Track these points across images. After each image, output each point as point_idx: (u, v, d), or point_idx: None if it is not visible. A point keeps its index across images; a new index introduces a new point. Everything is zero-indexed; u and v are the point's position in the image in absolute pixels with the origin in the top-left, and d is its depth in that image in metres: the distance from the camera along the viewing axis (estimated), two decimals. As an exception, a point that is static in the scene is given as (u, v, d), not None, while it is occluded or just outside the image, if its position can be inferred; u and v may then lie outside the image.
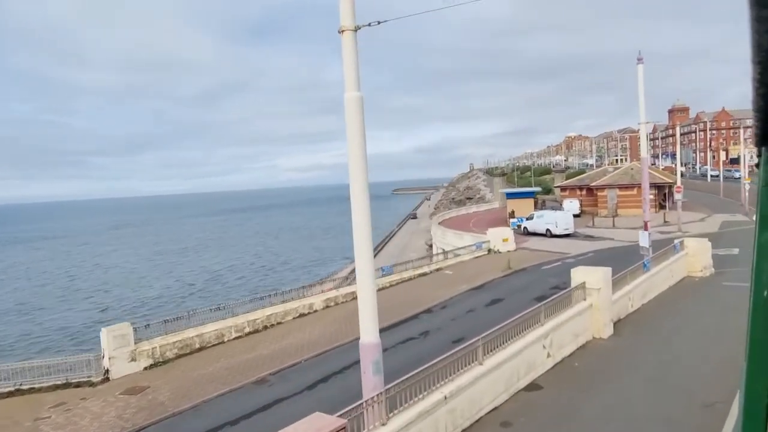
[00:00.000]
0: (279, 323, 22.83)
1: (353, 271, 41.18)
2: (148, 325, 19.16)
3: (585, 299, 15.27)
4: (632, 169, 55.18)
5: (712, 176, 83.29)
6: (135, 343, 18.46)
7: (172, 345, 19.35)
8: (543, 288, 25.67)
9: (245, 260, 78.36)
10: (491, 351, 11.25)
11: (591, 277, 15.49)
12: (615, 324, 16.43)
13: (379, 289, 27.63)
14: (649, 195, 23.71)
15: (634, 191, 52.39)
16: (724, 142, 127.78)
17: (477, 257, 34.77)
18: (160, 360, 18.94)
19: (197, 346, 20.07)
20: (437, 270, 31.35)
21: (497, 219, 53.93)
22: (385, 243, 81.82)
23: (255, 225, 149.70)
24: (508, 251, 35.97)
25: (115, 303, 51.41)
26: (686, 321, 17.30)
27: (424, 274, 30.40)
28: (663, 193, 59.43)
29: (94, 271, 74.98)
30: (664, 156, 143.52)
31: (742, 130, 57.96)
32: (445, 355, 10.49)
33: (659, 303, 19.76)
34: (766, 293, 1.11)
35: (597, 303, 15.11)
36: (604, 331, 15.19)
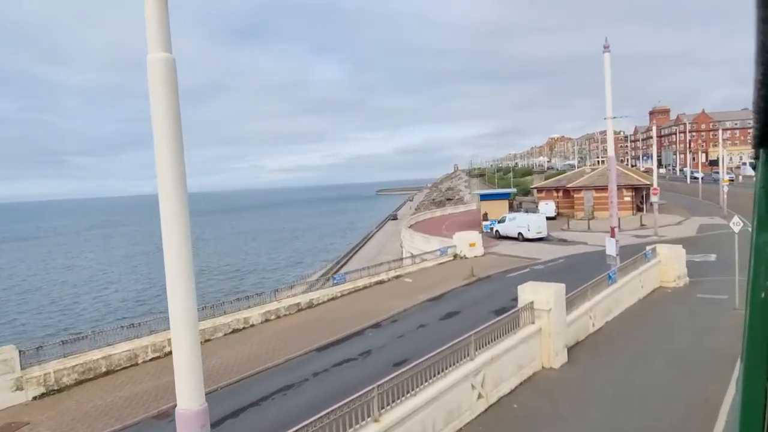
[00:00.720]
0: (207, 340, 20.26)
1: (325, 274, 38.03)
2: (41, 347, 16.48)
3: (533, 322, 13.00)
4: (609, 170, 53.38)
5: (695, 178, 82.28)
6: (22, 368, 15.80)
7: (71, 369, 16.71)
8: (504, 299, 23.46)
9: (216, 263, 75.27)
10: (395, 401, 8.76)
11: (540, 295, 13.22)
12: (571, 349, 14.20)
13: (329, 300, 25.23)
14: (616, 197, 21.58)
15: (611, 193, 50.60)
16: (704, 144, 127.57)
17: (441, 263, 32.49)
18: (55, 388, 16.30)
19: (103, 369, 17.45)
20: (396, 277, 29.00)
21: (473, 221, 51.79)
22: (362, 245, 79.46)
23: (235, 226, 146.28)
24: (475, 257, 33.78)
25: (45, 313, 48.16)
26: (654, 344, 15.15)
27: (381, 282, 28.03)
28: (641, 195, 57.84)
29: (48, 276, 71.31)
30: (644, 158, 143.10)
31: (720, 132, 56.57)
32: (322, 413, 8.04)
33: (625, 320, 17.60)
34: (763, 295, 1.11)
35: (547, 327, 12.84)
36: (556, 359, 12.92)
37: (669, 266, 21.75)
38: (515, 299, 23.78)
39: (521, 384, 11.95)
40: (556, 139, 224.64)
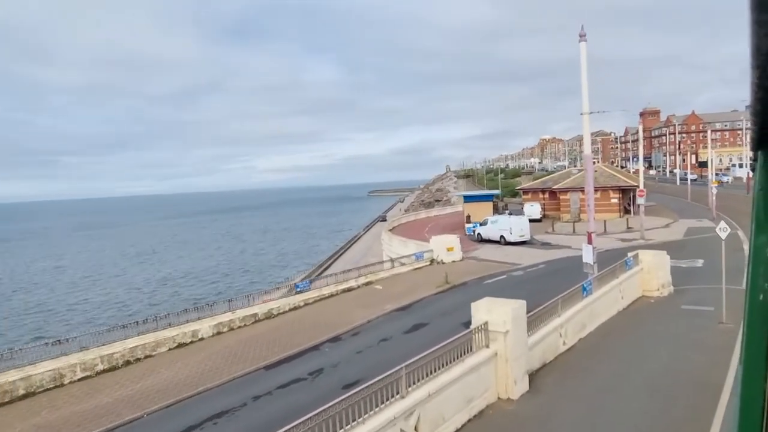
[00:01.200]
0: (148, 356, 18.44)
1: (304, 279, 36.18)
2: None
3: (487, 346, 11.29)
4: (596, 171, 51.90)
5: (691, 180, 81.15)
6: None
7: (-19, 393, 14.84)
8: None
9: (198, 266, 73.13)
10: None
11: (496, 314, 11.48)
12: (536, 373, 12.53)
13: (290, 310, 23.43)
14: (593, 200, 19.96)
15: (598, 194, 49.04)
16: (694, 145, 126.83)
17: (417, 269, 30.79)
18: (-40, 414, 14.42)
19: (21, 392, 15.59)
20: (366, 284, 27.25)
21: (457, 224, 50.17)
22: (349, 246, 77.71)
23: (224, 227, 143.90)
24: (454, 261, 32.10)
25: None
26: (630, 365, 13.50)
27: (349, 290, 26.27)
28: (629, 197, 56.47)
29: (21, 280, 68.90)
30: (635, 159, 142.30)
31: (709, 133, 55.33)
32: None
33: (601, 336, 15.96)
34: (761, 297, 1.11)
35: (504, 351, 11.09)
36: (514, 388, 11.16)
37: (652, 274, 20.16)
38: (488, 309, 22.21)
39: (470, 421, 10.18)
40: (547, 140, 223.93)
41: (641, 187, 37.39)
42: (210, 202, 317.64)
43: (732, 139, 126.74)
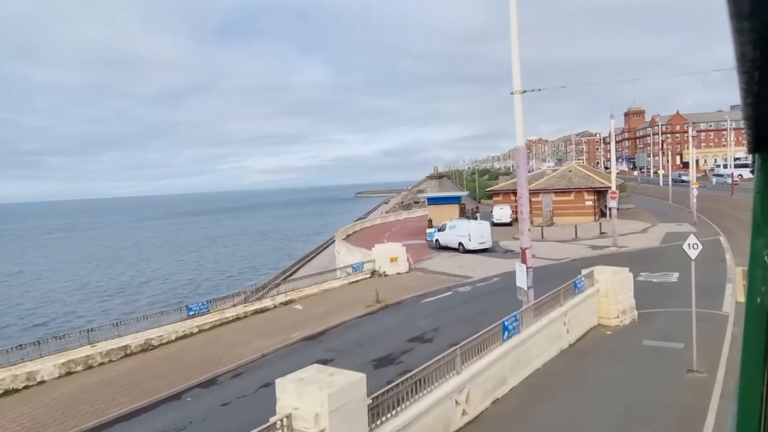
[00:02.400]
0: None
1: (268, 284, 31.17)
2: None
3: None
4: (570, 171, 48.00)
5: (683, 181, 77.54)
6: None
7: None
8: (401, 339, 17.59)
9: (166, 270, 68.12)
10: None
11: (309, 400, 6.97)
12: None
13: (177, 339, 19.04)
14: (527, 206, 15.74)
15: (571, 196, 45.18)
16: (679, 145, 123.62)
17: (354, 282, 26.51)
18: None
19: None
20: (286, 303, 22.93)
21: (423, 228, 45.99)
22: (321, 250, 73.36)
23: (204, 229, 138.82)
24: (398, 274, 27.86)
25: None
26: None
27: (262, 311, 21.94)
28: (606, 199, 52.54)
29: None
30: (619, 160, 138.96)
31: (691, 130, 51.55)
32: None
33: (526, 395, 11.61)
34: (759, 300, 1.12)
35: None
36: None
37: (611, 298, 16.00)
38: (413, 339, 17.93)
39: None
40: (533, 141, 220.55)
41: (613, 188, 33.33)
42: (197, 203, 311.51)
43: (717, 140, 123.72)
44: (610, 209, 33.46)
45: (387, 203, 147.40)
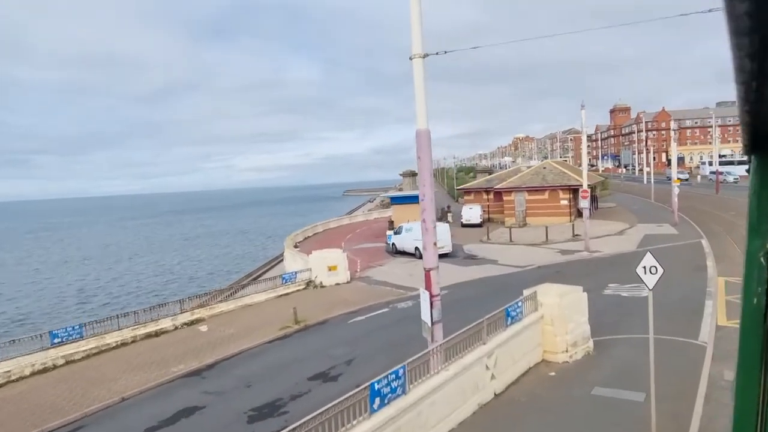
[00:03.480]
0: None
1: (223, 291, 26.42)
2: None
3: None
4: (545, 168, 44.53)
5: (679, 179, 74.30)
6: None
7: None
8: (301, 376, 13.98)
9: (135, 272, 63.67)
10: None
11: None
12: None
13: (33, 374, 15.28)
14: (433, 214, 12.08)
15: (545, 195, 41.72)
16: (664, 143, 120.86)
17: (282, 296, 22.84)
18: None
19: None
20: (190, 323, 19.22)
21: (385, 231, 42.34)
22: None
23: (185, 229, 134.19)
24: (337, 284, 24.24)
25: None
26: None
27: (157, 334, 18.23)
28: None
29: None
30: (604, 157, 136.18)
31: (672, 124, 48.30)
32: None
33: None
34: (755, 300, 1.12)
35: None
36: None
37: (558, 326, 12.47)
38: (319, 376, 14.31)
39: None
40: (521, 138, 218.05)
41: (585, 186, 29.87)
42: (185, 202, 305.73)
43: (702, 137, 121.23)
44: (579, 210, 30.04)
45: (372, 201, 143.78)
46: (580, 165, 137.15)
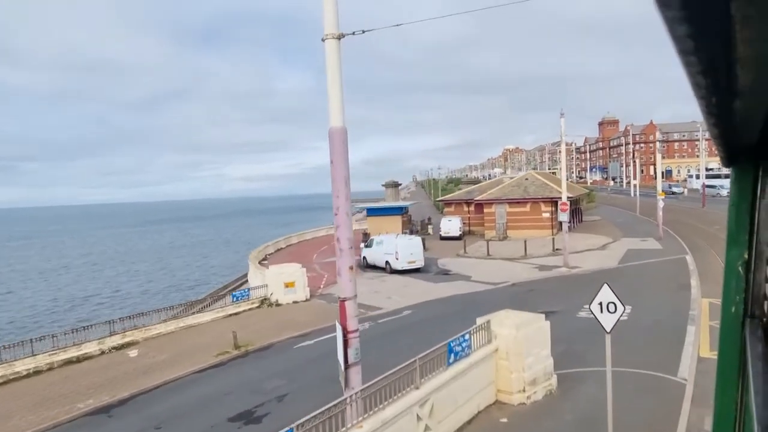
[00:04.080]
0: None
1: (169, 308, 23.47)
2: None
3: None
4: (527, 179, 43.03)
5: (674, 193, 73.52)
6: None
7: None
8: (221, 416, 12.05)
9: (106, 284, 60.94)
10: None
11: None
12: None
13: None
14: (347, 237, 10.27)
15: (527, 207, 40.15)
16: (652, 155, 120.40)
17: (232, 315, 20.89)
18: None
19: None
20: (120, 347, 17.22)
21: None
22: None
23: (167, 238, 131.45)
24: (294, 302, 22.33)
25: None
26: None
27: (79, 360, 16.21)
28: (571, 210, 47.76)
29: None
30: (593, 169, 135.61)
31: (658, 135, 46.99)
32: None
33: None
34: (733, 309, 1.14)
35: None
36: None
37: (515, 362, 10.67)
38: (242, 416, 12.34)
39: None
40: (511, 150, 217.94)
41: (564, 198, 28.28)
42: (172, 211, 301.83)
43: (690, 150, 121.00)
44: (561, 223, 28.42)
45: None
46: (569, 177, 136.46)
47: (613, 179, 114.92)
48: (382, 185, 61.43)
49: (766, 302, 1.07)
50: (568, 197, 40.53)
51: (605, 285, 7.15)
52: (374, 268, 29.95)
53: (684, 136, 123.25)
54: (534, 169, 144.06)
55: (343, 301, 7.75)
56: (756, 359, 0.97)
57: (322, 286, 25.49)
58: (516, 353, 10.57)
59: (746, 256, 1.13)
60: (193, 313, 19.75)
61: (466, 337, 10.15)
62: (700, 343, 14.11)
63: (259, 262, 34.77)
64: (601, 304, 6.82)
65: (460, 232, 40.56)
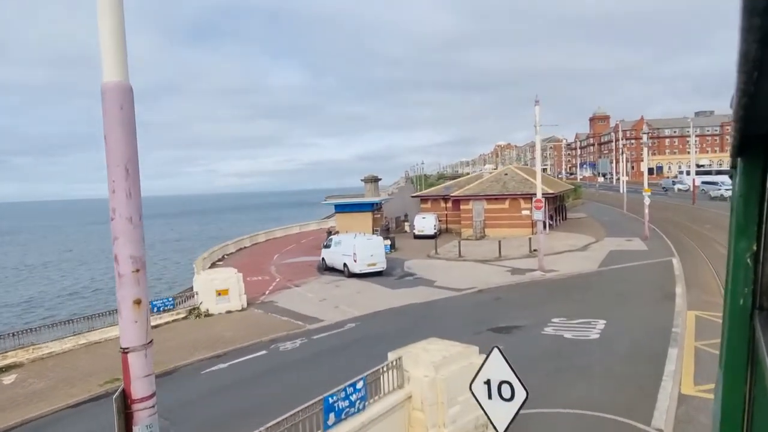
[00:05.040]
0: None
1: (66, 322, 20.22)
2: None
3: None
4: (506, 174, 40.31)
5: (679, 190, 71.23)
6: None
7: None
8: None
9: (58, 284, 57.55)
10: None
11: None
12: None
13: None
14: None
15: (506, 204, 37.45)
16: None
17: (152, 327, 17.96)
18: None
19: None
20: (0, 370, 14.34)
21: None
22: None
23: (156, 234, 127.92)
24: (228, 312, 19.51)
25: None
26: None
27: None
28: (554, 207, 45.14)
29: None
30: (584, 166, 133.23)
31: (645, 126, 44.37)
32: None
33: None
34: (741, 301, 1.12)
35: None
36: None
37: (434, 412, 7.92)
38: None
39: None
40: (502, 146, 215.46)
41: (538, 195, 25.54)
42: (162, 207, 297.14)
43: (681, 146, 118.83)
44: (535, 222, 25.70)
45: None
46: (560, 173, 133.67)
47: (603, 175, 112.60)
48: (361, 180, 58.45)
49: None
50: (549, 194, 37.94)
51: (495, 350, 4.37)
52: (333, 270, 27.17)
53: (675, 132, 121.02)
54: (525, 165, 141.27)
55: (125, 352, 4.97)
56: None
57: (266, 293, 22.69)
58: (434, 402, 7.81)
59: (755, 247, 1.10)
60: (101, 328, 16.85)
61: (359, 386, 7.38)
62: (682, 374, 11.41)
63: (213, 264, 31.90)
64: (488, 383, 4.09)
65: (435, 231, 37.82)
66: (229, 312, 19.48)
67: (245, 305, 19.98)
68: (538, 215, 24.98)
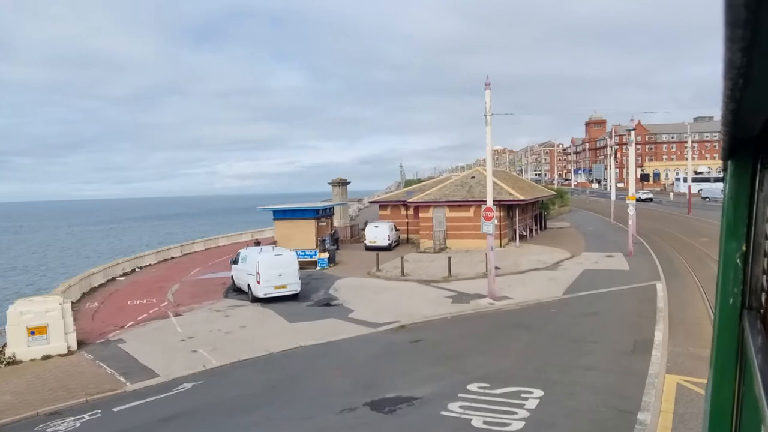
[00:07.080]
0: None
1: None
2: None
3: None
4: (473, 177, 34.84)
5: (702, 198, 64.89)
6: None
7: None
8: None
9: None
10: None
11: None
12: None
13: None
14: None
15: (470, 212, 31.99)
16: (640, 157, 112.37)
17: None
18: None
19: None
20: None
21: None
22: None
23: (138, 235, 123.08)
24: (44, 358, 14.15)
25: None
26: None
27: None
28: (531, 216, 39.67)
29: None
30: (578, 171, 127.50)
31: (633, 128, 38.83)
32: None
33: None
34: (731, 300, 1.13)
35: None
36: None
37: None
38: None
39: None
40: (499, 151, 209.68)
41: (489, 203, 20.05)
42: (162, 207, 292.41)
43: (679, 152, 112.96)
44: (489, 236, 20.19)
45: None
46: (553, 179, 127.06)
47: (598, 181, 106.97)
48: (329, 183, 52.88)
49: (764, 294, 1.06)
50: (517, 201, 32.41)
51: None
52: (240, 292, 21.79)
53: (673, 138, 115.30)
54: (520, 169, 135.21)
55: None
56: (757, 351, 0.94)
57: (126, 326, 17.28)
58: None
59: (744, 248, 1.11)
60: None
61: None
62: None
63: (114, 278, 26.58)
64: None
65: (390, 241, 32.38)
66: (46, 357, 14.11)
67: (73, 347, 14.60)
68: (488, 227, 19.51)
